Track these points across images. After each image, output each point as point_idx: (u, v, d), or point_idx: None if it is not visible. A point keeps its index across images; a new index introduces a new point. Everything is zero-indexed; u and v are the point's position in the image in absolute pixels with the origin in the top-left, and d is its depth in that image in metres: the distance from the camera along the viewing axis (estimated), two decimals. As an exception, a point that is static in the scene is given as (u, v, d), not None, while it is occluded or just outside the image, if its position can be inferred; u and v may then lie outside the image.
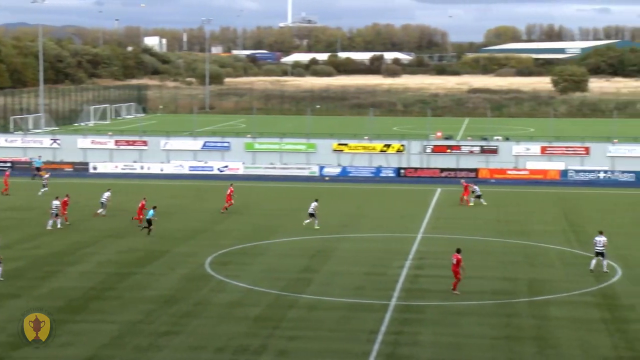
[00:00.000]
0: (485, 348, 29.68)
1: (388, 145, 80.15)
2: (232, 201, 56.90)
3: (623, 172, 74.12)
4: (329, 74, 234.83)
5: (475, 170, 75.62)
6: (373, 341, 30.14)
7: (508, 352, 29.23)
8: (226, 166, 78.92)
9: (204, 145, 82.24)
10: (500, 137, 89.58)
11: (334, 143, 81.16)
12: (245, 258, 43.30)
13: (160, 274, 39.73)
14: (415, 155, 79.39)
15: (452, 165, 77.53)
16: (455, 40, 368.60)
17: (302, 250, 45.06)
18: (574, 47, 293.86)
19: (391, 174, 76.81)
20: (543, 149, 78.30)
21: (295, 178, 75.79)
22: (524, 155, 78.31)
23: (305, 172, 77.71)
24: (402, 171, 76.87)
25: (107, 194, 54.00)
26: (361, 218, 55.36)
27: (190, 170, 78.59)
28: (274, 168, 78.23)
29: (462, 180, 64.96)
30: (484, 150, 78.95)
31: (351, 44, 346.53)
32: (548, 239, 48.28)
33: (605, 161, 76.73)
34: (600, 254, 39.81)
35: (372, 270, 40.81)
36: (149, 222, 48.44)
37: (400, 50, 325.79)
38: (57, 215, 49.97)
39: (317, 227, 49.64)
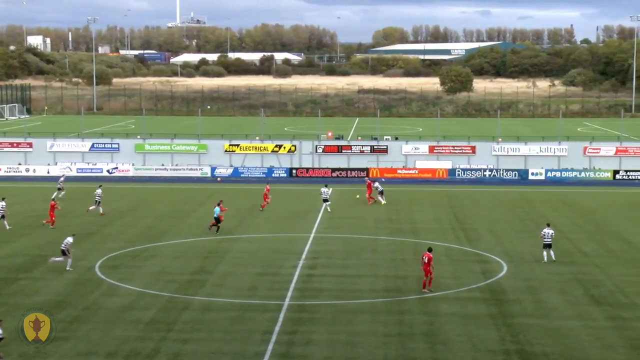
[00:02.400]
0: (378, 345, 30.08)
1: (280, 146, 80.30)
2: (269, 200, 57.87)
3: (507, 170, 76.31)
4: (219, 75, 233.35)
5: (366, 170, 76.56)
6: (267, 341, 30.16)
7: (400, 349, 29.71)
8: (116, 168, 77.58)
9: (92, 146, 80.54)
10: (389, 137, 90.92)
11: (225, 144, 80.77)
12: (137, 261, 42.67)
13: (48, 279, 38.73)
14: (307, 155, 79.81)
15: (344, 165, 78.32)
16: (344, 41, 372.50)
17: (194, 252, 44.70)
18: (458, 48, 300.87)
19: (283, 174, 77.01)
20: (431, 148, 79.86)
21: (186, 179, 75.11)
22: (413, 154, 79.73)
23: (197, 173, 77.11)
24: (294, 171, 77.18)
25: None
26: (254, 218, 55.28)
27: (79, 173, 76.92)
28: (165, 169, 77.31)
29: (366, 179, 65.99)
30: (374, 150, 79.99)
31: (241, 45, 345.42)
32: (437, 236, 49.29)
33: (490, 160, 78.86)
34: (547, 245, 41.93)
35: (266, 270, 40.82)
36: (217, 220, 48.91)
37: (290, 50, 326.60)
38: None
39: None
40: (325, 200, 57.70)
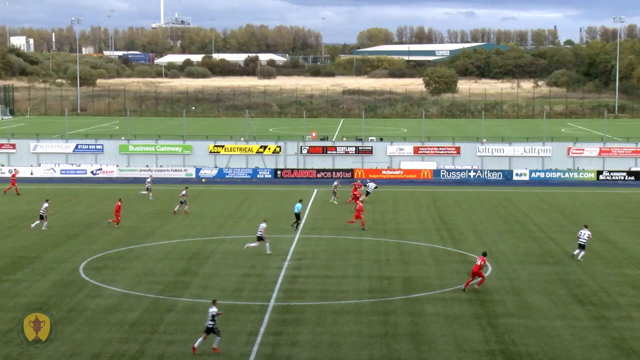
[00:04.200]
0: (363, 346, 30.10)
1: (264, 147, 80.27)
2: (361, 195, 59.84)
3: (491, 170, 76.56)
4: (203, 75, 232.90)
5: (351, 171, 76.64)
6: (252, 343, 30.13)
7: (385, 349, 29.74)
8: (100, 169, 77.33)
9: (76, 147, 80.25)
10: (374, 138, 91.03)
11: (210, 145, 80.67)
12: (121, 262, 42.52)
13: (31, 280, 38.54)
14: (292, 156, 79.82)
15: (328, 166, 78.36)
16: (329, 42, 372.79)
17: (179, 253, 44.59)
18: (443, 49, 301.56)
19: (268, 175, 76.97)
20: (416, 149, 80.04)
21: (171, 180, 74.93)
22: (397, 155, 79.88)
23: (182, 174, 76.96)
24: (279, 172, 77.15)
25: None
26: (239, 219, 55.21)
27: (62, 174, 76.63)
28: (150, 170, 77.10)
29: (358, 182, 65.82)
30: (359, 151, 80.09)
31: (225, 45, 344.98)
32: (422, 237, 49.39)
33: (475, 160, 79.11)
34: (581, 246, 42.90)
35: (251, 271, 40.77)
36: (298, 216, 50.95)
37: (274, 51, 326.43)
38: None
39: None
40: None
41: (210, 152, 79.85)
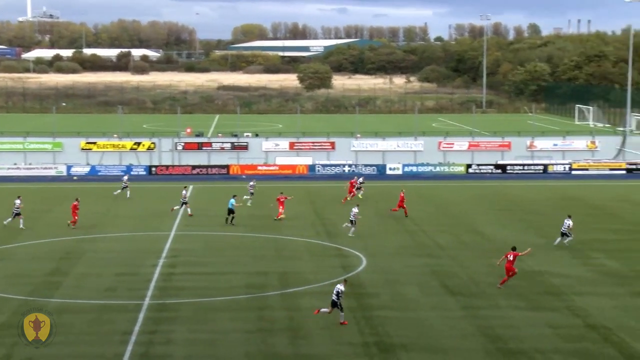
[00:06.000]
0: (240, 342, 30.09)
1: (138, 143, 79.03)
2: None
3: (366, 165, 77.71)
4: (74, 71, 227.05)
5: (227, 167, 76.35)
6: (126, 342, 29.68)
7: (261, 345, 29.82)
8: (-36, 168, 74.38)
9: (-61, 146, 77.00)
10: (250, 134, 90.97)
11: (81, 141, 78.84)
12: (-12, 264, 41.09)
13: None
14: (167, 152, 78.89)
15: (204, 162, 77.83)
16: (203, 38, 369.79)
17: (49, 253, 43.44)
18: (317, 45, 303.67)
19: (142, 172, 75.82)
20: (291, 145, 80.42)
21: (41, 178, 72.81)
22: (273, 150, 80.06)
23: (52, 172, 74.89)
24: (154, 169, 76.11)
25: None
26: (112, 218, 54.21)
27: None
28: (18, 168, 74.71)
29: (356, 179, 64.01)
30: (234, 147, 79.88)
31: (97, 40, 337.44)
32: (297, 232, 49.68)
33: (349, 155, 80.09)
34: (562, 233, 45.24)
35: (125, 270, 40.13)
36: (231, 211, 50.88)
37: (148, 47, 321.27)
38: None
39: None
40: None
41: (82, 149, 78.04)
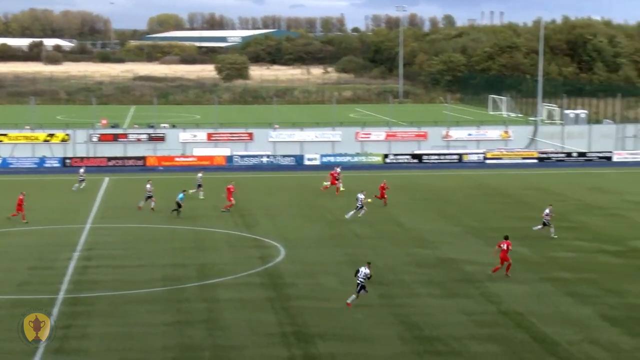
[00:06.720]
0: (157, 335, 29.87)
1: (52, 135, 77.50)
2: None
3: (284, 156, 77.77)
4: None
5: (143, 159, 75.47)
6: (41, 338, 29.13)
7: (179, 337, 29.64)
8: None
9: None
10: (167, 125, 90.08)
11: (-8, 133, 76.94)
12: None
13: None
14: (81, 144, 77.55)
15: (120, 154, 76.77)
16: (118, 28, 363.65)
17: (-41, 249, 42.34)
18: (235, 35, 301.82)
19: (56, 164, 74.40)
20: (209, 136, 79.96)
21: (-51, 172, 70.83)
22: (191, 142, 79.49)
23: (-39, 165, 72.96)
24: (68, 161, 74.72)
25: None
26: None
27: None
28: None
29: (336, 169, 63.02)
30: (151, 138, 79.01)
31: (7, 30, 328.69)
32: (215, 223, 49.48)
33: (267, 146, 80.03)
34: (544, 223, 46.32)
35: (38, 264, 39.42)
36: (178, 204, 50.30)
37: (61, 37, 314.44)
38: None
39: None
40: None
41: (-7, 141, 76.18)
